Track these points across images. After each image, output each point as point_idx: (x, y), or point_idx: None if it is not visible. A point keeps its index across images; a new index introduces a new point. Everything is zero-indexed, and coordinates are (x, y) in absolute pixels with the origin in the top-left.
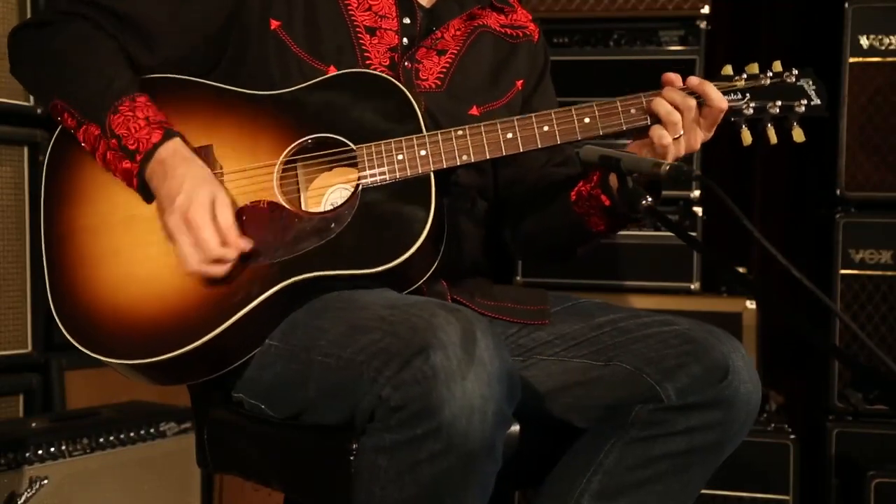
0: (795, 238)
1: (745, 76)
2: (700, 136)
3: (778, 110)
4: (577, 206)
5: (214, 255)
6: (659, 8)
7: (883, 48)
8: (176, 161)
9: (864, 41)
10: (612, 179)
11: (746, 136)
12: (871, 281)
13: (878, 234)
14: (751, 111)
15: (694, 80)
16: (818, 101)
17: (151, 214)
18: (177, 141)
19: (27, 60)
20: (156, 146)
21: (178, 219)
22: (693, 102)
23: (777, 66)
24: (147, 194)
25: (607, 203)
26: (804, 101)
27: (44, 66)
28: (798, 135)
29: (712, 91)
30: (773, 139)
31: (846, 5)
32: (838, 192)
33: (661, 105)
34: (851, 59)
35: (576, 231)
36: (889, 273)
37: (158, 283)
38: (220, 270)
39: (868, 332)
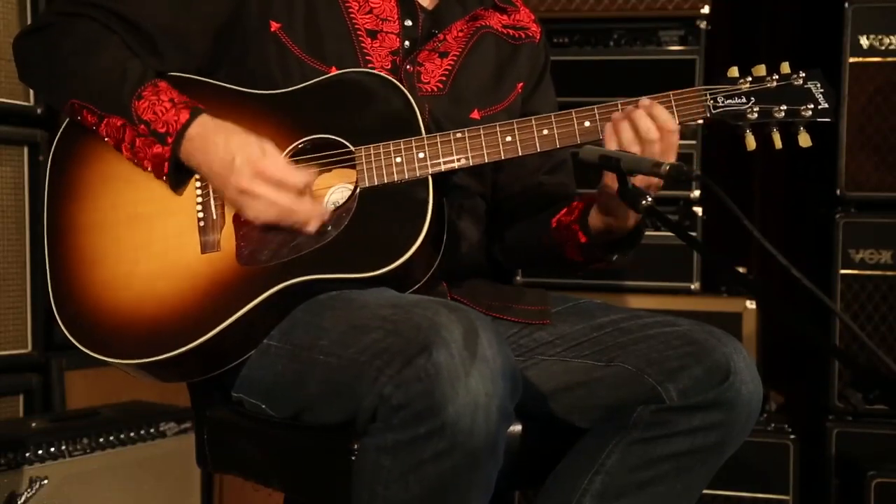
0: (795, 238)
1: (750, 78)
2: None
3: (784, 115)
4: (556, 234)
5: (302, 183)
6: (659, 8)
7: (883, 48)
8: (210, 132)
9: (864, 41)
10: (592, 217)
11: (750, 141)
12: (871, 281)
13: (877, 234)
14: (755, 115)
15: (645, 101)
16: (826, 105)
17: (154, 213)
18: (204, 116)
19: (36, 66)
20: (185, 125)
21: (250, 174)
22: (657, 136)
23: (785, 67)
24: (176, 179)
25: (583, 240)
26: (811, 106)
27: (54, 70)
28: (804, 140)
29: (660, 113)
30: (778, 144)
31: (846, 5)
32: (838, 191)
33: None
34: (851, 59)
35: (553, 254)
36: (889, 273)
37: (158, 283)
38: (308, 204)
39: (868, 332)
